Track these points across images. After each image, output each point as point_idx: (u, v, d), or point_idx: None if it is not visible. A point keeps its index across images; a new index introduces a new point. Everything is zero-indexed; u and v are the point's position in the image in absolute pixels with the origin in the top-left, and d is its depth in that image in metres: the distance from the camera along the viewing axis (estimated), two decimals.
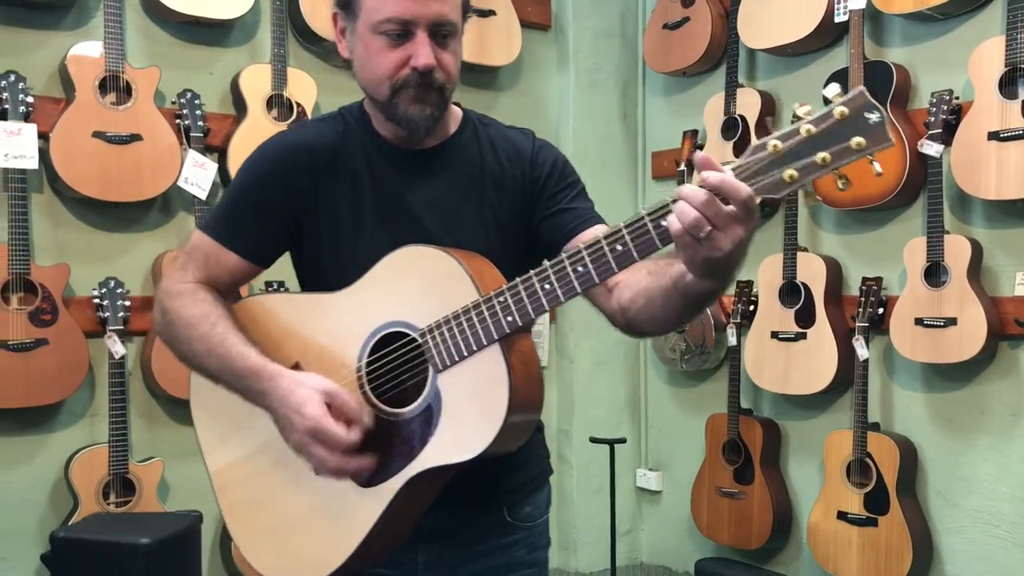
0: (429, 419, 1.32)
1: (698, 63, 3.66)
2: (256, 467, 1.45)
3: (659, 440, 4.00)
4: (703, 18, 3.60)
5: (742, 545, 3.45)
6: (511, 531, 1.51)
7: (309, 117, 3.22)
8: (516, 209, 1.50)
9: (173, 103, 3.05)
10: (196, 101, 3.05)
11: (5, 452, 2.86)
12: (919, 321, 2.89)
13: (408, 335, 1.35)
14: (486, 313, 1.27)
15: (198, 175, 3.02)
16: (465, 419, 1.29)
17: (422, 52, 1.38)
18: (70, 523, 2.73)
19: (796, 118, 1.08)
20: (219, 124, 3.15)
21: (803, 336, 3.22)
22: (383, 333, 1.37)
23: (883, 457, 3.01)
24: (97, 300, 2.90)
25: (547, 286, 1.24)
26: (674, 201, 1.12)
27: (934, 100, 2.91)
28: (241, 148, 3.10)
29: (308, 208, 1.48)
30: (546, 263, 1.25)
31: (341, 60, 1.56)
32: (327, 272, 1.47)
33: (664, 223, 1.13)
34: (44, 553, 2.51)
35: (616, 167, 4.02)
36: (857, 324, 3.07)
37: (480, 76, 3.75)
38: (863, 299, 3.09)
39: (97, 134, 2.84)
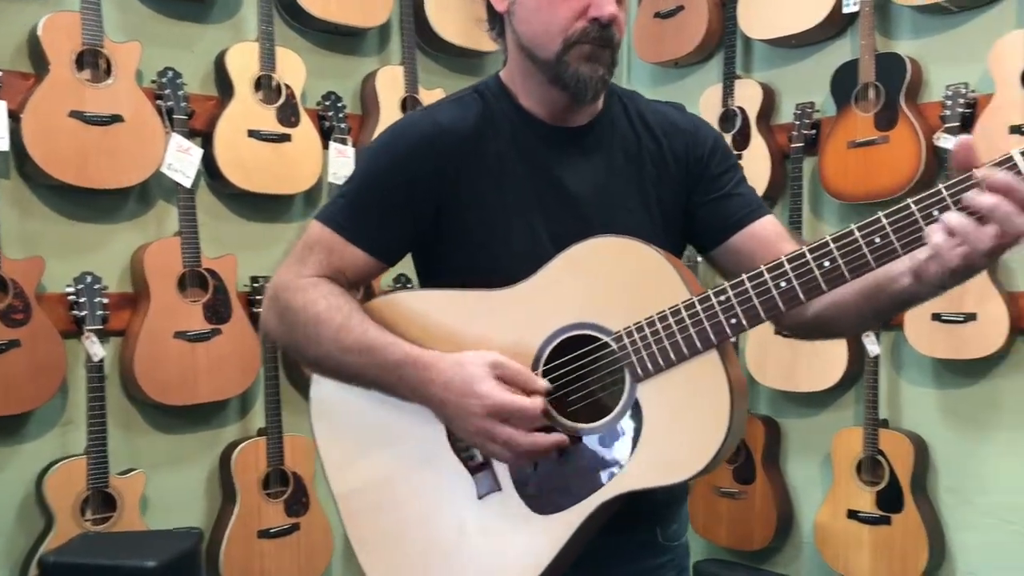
0: (627, 435, 1.16)
1: (692, 53, 3.56)
2: (402, 489, 1.27)
3: None
4: (699, 7, 3.51)
5: (742, 546, 3.38)
6: (661, 552, 1.37)
7: (299, 100, 3.00)
8: (677, 187, 1.37)
9: (153, 82, 2.79)
10: (178, 81, 2.80)
11: None
12: (936, 316, 2.86)
13: (598, 339, 1.19)
14: (702, 314, 1.12)
15: (182, 161, 2.78)
16: (675, 436, 1.13)
17: (605, 1, 1.23)
18: (50, 544, 2.46)
19: None
20: (202, 106, 2.90)
21: None
22: (566, 336, 1.20)
23: (896, 454, 2.97)
24: (72, 297, 2.63)
25: (783, 284, 1.10)
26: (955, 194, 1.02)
27: (950, 93, 2.87)
28: (228, 132, 2.87)
29: (450, 198, 1.31)
30: (782, 258, 1.11)
31: (487, 20, 1.40)
32: (473, 268, 1.30)
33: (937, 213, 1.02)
34: None
35: None
36: None
37: (467, 62, 3.58)
38: None
39: (74, 114, 2.57)
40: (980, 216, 0.99)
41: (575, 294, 1.20)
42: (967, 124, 2.84)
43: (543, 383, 1.18)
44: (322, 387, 1.32)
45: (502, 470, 1.22)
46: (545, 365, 1.21)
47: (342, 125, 3.12)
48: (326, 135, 3.11)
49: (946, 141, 2.85)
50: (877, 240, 1.05)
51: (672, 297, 1.14)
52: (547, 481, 1.19)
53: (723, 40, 3.49)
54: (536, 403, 1.15)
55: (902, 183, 2.95)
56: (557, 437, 1.16)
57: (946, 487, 3.00)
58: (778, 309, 1.10)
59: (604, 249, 1.20)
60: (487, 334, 1.23)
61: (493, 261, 1.29)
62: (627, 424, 1.16)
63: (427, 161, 1.29)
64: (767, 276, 1.10)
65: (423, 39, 3.37)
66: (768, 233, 1.34)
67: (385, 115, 3.18)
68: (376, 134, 3.13)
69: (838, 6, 3.11)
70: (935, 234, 1.01)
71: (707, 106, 3.48)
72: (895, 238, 1.04)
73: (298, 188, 3.03)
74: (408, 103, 3.25)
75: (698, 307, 1.13)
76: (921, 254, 1.05)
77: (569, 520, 1.17)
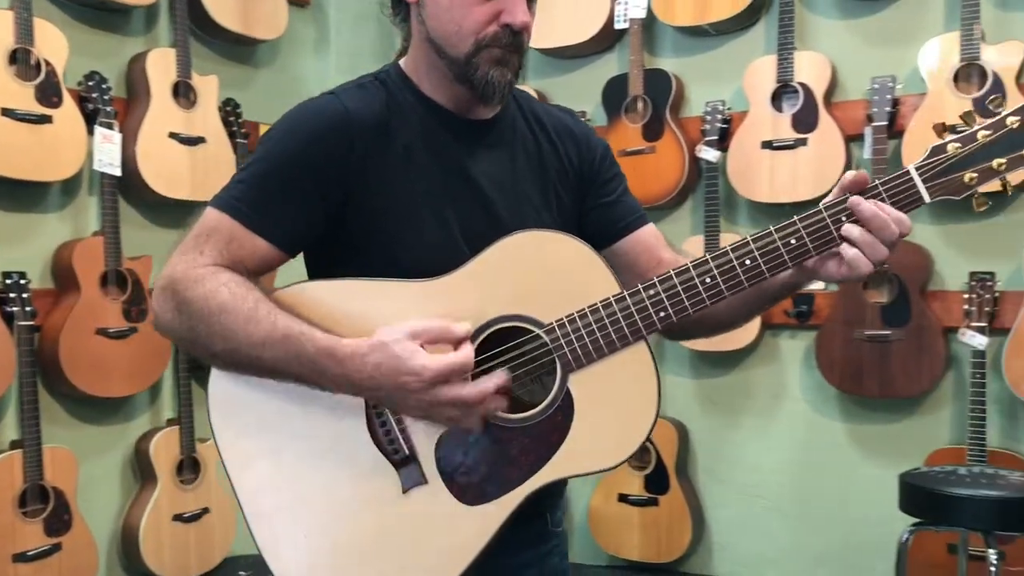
0: (559, 424, 1.18)
1: None
2: (316, 486, 1.21)
3: None
4: None
5: None
6: (550, 537, 1.40)
7: (61, 79, 2.73)
8: (572, 190, 1.41)
9: None
10: None
11: None
12: None
13: (528, 331, 1.19)
14: (633, 307, 1.17)
15: None
16: (606, 422, 1.17)
17: (519, 8, 1.24)
18: None
19: (965, 122, 1.12)
20: None
21: None
22: (494, 329, 1.20)
23: (662, 440, 3.21)
24: None
25: (708, 279, 1.17)
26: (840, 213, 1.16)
27: (709, 109, 3.16)
28: None
29: (359, 186, 1.25)
30: (707, 255, 1.18)
31: (391, 6, 1.35)
32: (385, 259, 1.26)
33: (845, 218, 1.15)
34: None
35: None
36: None
37: (241, 49, 3.42)
38: None
39: None
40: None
41: (505, 286, 1.21)
42: (724, 138, 3.13)
43: (464, 326, 1.17)
44: (222, 382, 1.24)
45: (428, 463, 1.20)
46: (476, 357, 1.20)
47: (108, 108, 2.87)
48: (89, 118, 2.85)
49: (707, 152, 3.12)
50: (793, 241, 1.17)
51: (602, 290, 1.19)
52: (476, 472, 1.19)
53: None
54: (468, 353, 1.15)
55: (668, 190, 3.20)
56: (497, 378, 1.16)
57: (704, 468, 3.29)
58: (703, 303, 1.18)
59: (534, 242, 1.22)
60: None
61: (406, 252, 1.26)
62: (559, 413, 1.19)
63: (336, 146, 1.24)
64: (693, 272, 1.18)
65: (195, 22, 3.18)
66: (651, 240, 1.42)
67: (157, 100, 2.97)
68: (146, 119, 2.93)
69: (610, 22, 3.31)
70: (849, 247, 1.15)
71: None
72: (808, 240, 1.16)
73: (58, 175, 2.75)
74: (180, 88, 3.05)
75: (628, 300, 1.18)
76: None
77: (499, 509, 1.18)
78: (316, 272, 1.34)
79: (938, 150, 1.14)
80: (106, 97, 2.88)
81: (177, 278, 1.19)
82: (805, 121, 2.97)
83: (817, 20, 3.08)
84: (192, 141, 3.05)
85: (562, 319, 1.19)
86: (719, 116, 3.14)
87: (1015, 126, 1.11)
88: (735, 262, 1.18)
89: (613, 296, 1.19)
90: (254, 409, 1.22)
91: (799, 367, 3.13)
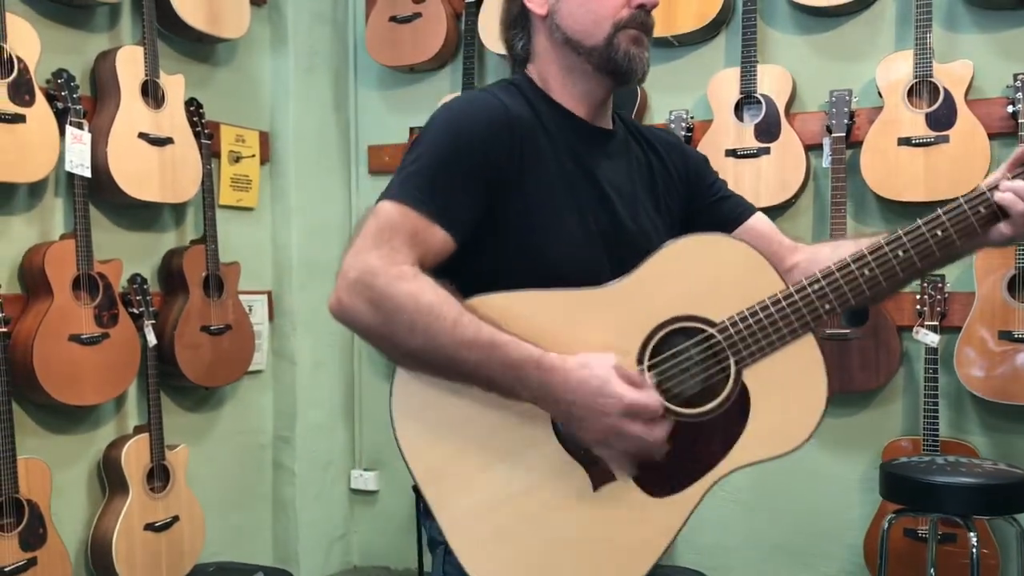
0: (736, 416, 1.25)
1: (429, 61, 3.66)
2: (512, 487, 1.25)
3: (375, 439, 3.93)
4: (437, 16, 3.61)
5: None
6: None
7: (33, 75, 2.63)
8: (679, 197, 1.50)
9: None
10: None
11: None
12: None
13: (701, 330, 1.26)
14: (800, 302, 1.26)
15: None
16: (782, 411, 1.26)
17: None
18: None
19: None
20: None
21: None
22: (669, 329, 1.27)
23: None
24: None
25: (867, 272, 1.26)
26: (991, 190, 1.26)
27: (673, 118, 3.27)
28: None
29: (513, 179, 1.31)
30: (863, 250, 1.27)
31: (512, 26, 1.39)
32: (520, 251, 1.31)
33: (983, 210, 1.25)
34: None
35: (331, 158, 3.85)
36: None
37: (202, 48, 3.36)
38: None
39: None
40: None
41: (676, 289, 1.27)
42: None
43: (650, 383, 1.24)
44: (410, 384, 1.26)
45: None
46: (650, 359, 1.27)
47: (77, 107, 2.78)
48: (58, 117, 2.75)
49: None
50: (939, 232, 1.28)
51: (768, 287, 1.27)
52: (663, 466, 1.25)
53: (460, 50, 3.63)
54: (658, 399, 1.22)
55: None
56: (669, 426, 1.23)
57: None
58: (863, 294, 1.27)
59: (699, 246, 1.30)
60: (590, 332, 1.26)
61: (551, 245, 1.31)
62: (735, 405, 1.26)
63: (504, 141, 1.30)
64: (853, 266, 1.27)
65: (159, 20, 3.10)
66: (765, 227, 1.52)
67: (127, 99, 2.89)
68: (117, 119, 2.85)
69: None
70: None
71: None
72: (953, 231, 1.28)
73: (31, 177, 2.66)
74: (149, 87, 2.98)
75: (795, 296, 1.26)
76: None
77: (686, 500, 1.26)
78: (457, 258, 1.33)
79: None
80: (75, 96, 2.79)
81: (376, 271, 1.21)
82: (767, 131, 3.12)
83: (777, 35, 3.23)
84: (161, 142, 2.98)
85: (733, 317, 1.27)
86: (683, 124, 3.26)
87: None
88: (889, 254, 1.27)
89: (781, 293, 1.27)
90: (439, 412, 1.26)
91: None
